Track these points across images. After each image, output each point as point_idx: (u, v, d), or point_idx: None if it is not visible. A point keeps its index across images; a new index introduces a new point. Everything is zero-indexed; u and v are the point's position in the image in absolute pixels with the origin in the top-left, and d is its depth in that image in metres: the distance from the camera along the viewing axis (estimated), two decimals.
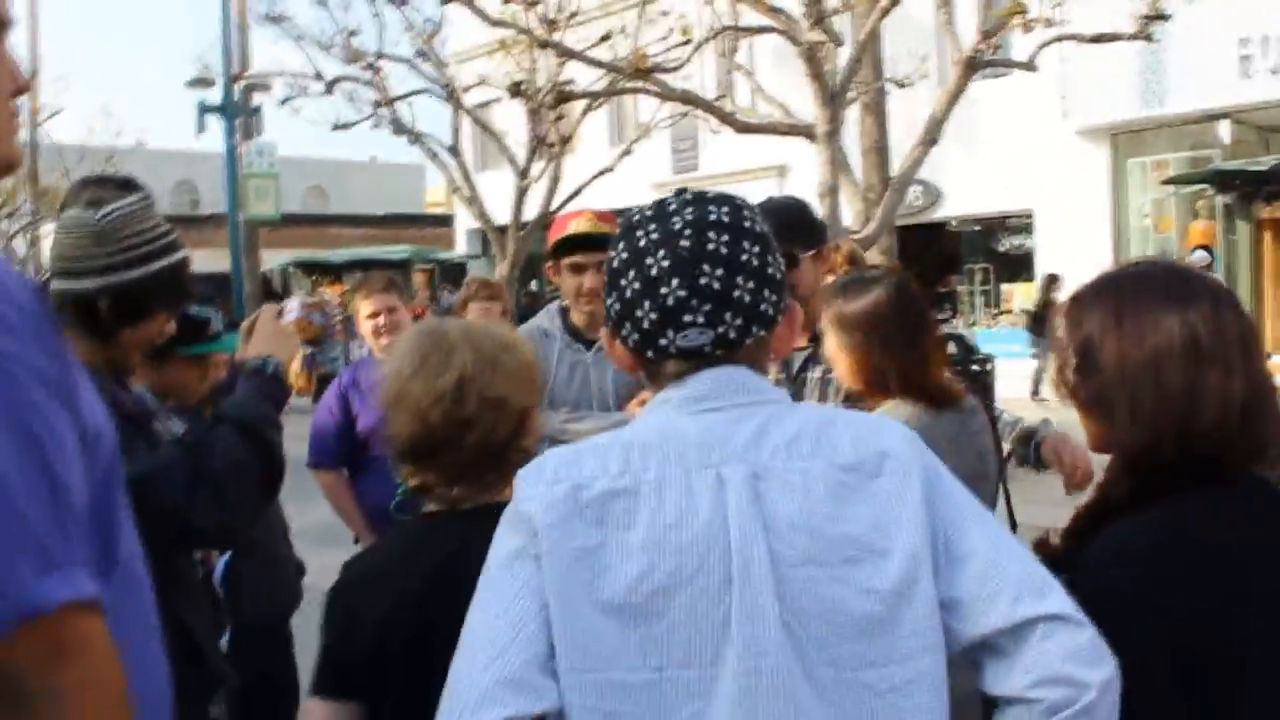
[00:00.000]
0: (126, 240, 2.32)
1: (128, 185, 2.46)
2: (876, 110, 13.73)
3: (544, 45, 14.50)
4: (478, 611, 1.52)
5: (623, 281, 1.59)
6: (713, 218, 1.58)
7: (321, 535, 5.96)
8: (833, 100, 11.49)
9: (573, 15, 16.85)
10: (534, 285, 25.82)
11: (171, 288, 2.41)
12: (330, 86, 18.92)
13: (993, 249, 21.68)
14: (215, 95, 21.21)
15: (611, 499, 1.50)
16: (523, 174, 19.07)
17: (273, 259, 27.07)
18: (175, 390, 3.00)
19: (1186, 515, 1.68)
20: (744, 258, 1.56)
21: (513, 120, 20.70)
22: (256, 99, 21.91)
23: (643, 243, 1.58)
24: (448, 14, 18.37)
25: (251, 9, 20.23)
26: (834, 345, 2.90)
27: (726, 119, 12.73)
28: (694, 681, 1.45)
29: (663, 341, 1.56)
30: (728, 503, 1.48)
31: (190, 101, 20.62)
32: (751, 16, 12.53)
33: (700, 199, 1.62)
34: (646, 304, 1.56)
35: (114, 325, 2.32)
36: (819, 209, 10.67)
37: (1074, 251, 17.38)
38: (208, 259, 27.72)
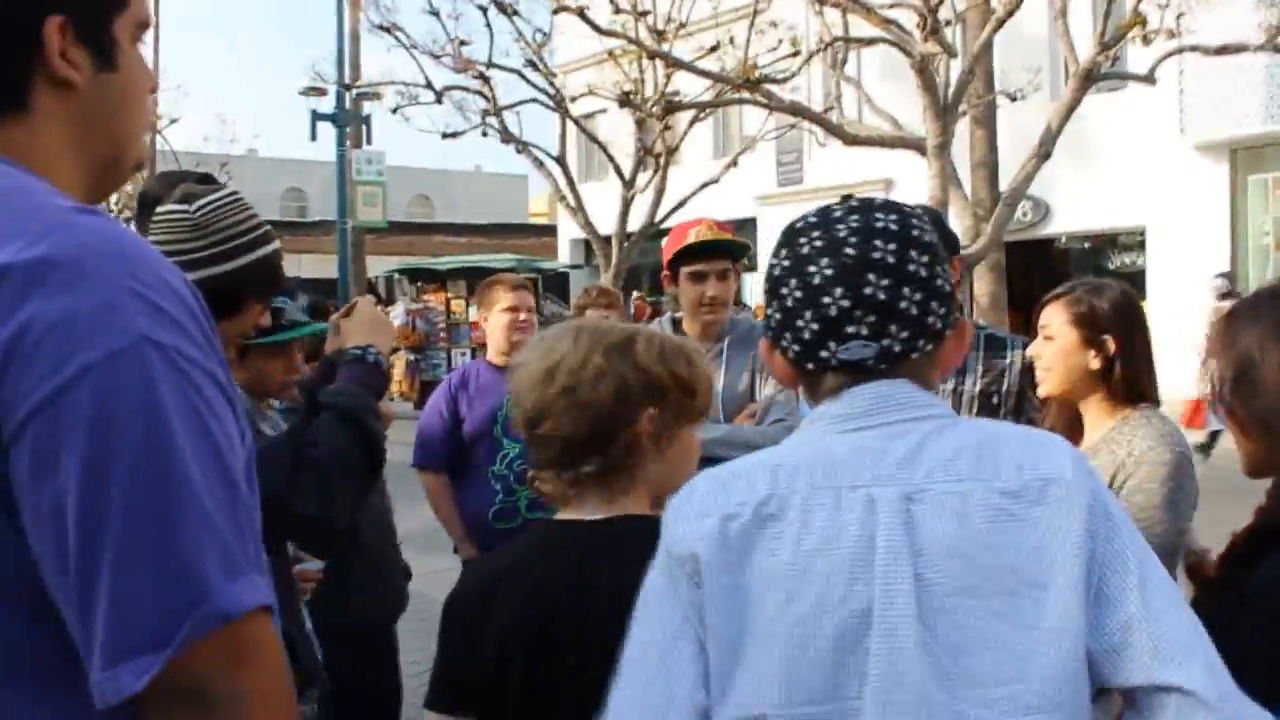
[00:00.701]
0: (222, 232, 2.32)
1: (208, 179, 2.47)
2: (987, 124, 13.53)
3: (653, 56, 14.53)
4: (637, 646, 1.49)
5: (784, 290, 1.53)
6: (879, 225, 1.50)
7: (424, 541, 6.00)
8: (944, 113, 11.35)
9: (681, 26, 16.88)
10: (635, 296, 25.88)
11: (265, 280, 2.39)
12: (440, 95, 19.16)
13: (1103, 266, 21.21)
14: (327, 104, 21.61)
15: (759, 526, 1.43)
16: (628, 184, 19.13)
17: (378, 265, 27.51)
18: (260, 383, 2.93)
19: None
20: (911, 267, 1.48)
21: (618, 131, 20.79)
22: (366, 107, 22.30)
23: (805, 250, 1.51)
24: (558, 24, 18.51)
25: (364, 19, 20.61)
26: (1072, 347, 2.81)
27: (834, 130, 12.65)
28: (837, 715, 1.38)
29: (823, 354, 1.49)
30: (877, 526, 1.40)
31: (302, 110, 21.06)
32: (863, 28, 12.41)
33: (867, 206, 1.55)
34: (808, 314, 1.49)
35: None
36: None
37: (1189, 270, 16.94)
38: (315, 264, 28.30)
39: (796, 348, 1.52)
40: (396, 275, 26.47)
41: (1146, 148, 18.11)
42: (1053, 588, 1.38)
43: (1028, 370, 3.24)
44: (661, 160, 18.59)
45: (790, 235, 1.56)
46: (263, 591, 1.17)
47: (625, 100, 15.33)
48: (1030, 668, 1.36)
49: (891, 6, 11.85)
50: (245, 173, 30.18)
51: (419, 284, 24.43)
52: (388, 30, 19.03)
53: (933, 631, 1.36)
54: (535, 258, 28.16)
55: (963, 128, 12.87)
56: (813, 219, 1.56)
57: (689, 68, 13.31)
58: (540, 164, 19.43)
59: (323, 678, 2.61)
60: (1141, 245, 19.62)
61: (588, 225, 19.30)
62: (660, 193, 18.74)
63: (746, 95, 12.96)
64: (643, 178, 19.14)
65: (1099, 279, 2.96)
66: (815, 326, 1.49)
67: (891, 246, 1.48)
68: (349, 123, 21.42)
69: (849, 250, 1.48)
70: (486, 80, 18.89)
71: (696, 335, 3.90)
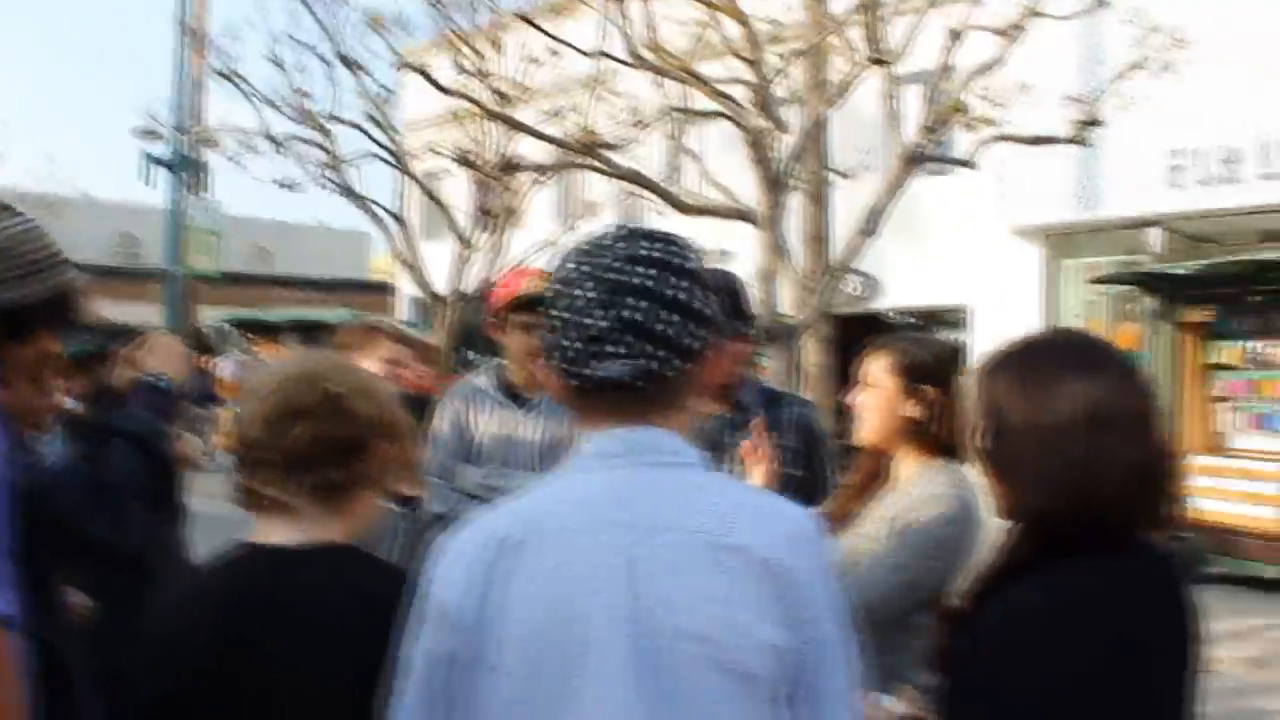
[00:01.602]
0: (17, 258, 2.28)
1: (6, 208, 2.45)
2: (819, 199, 13.94)
3: (494, 117, 14.61)
4: (398, 691, 1.59)
5: (553, 310, 1.62)
6: (643, 252, 1.60)
7: None
8: (775, 186, 11.68)
9: (525, 90, 17.02)
10: (470, 355, 25.74)
11: (60, 308, 2.36)
12: (279, 145, 18.91)
13: None
14: (163, 147, 21.06)
15: (500, 559, 1.52)
16: (465, 244, 19.08)
17: (212, 316, 26.83)
18: (20, 413, 2.81)
19: (1084, 578, 1.71)
20: (669, 292, 1.58)
21: (461, 192, 20.77)
22: (207, 154, 21.79)
23: (575, 274, 1.61)
24: (403, 81, 18.48)
25: (205, 64, 20.21)
26: (891, 394, 2.85)
27: (669, 199, 12.87)
28: None
29: (585, 371, 1.58)
30: (602, 568, 1.48)
31: (136, 153, 20.43)
32: (701, 101, 12.72)
33: (635, 234, 1.64)
34: (572, 333, 1.58)
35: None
36: (757, 293, 10.82)
37: None
38: (146, 312, 27.38)
39: (563, 365, 1.60)
40: (227, 326, 25.87)
41: (970, 230, 18.85)
42: (765, 644, 1.46)
43: (803, 426, 3.31)
44: (500, 221, 18.62)
45: (564, 259, 1.66)
46: (11, 602, 1.17)
47: (463, 160, 15.35)
48: (729, 715, 1.45)
49: (728, 82, 12.19)
50: (76, 215, 29.11)
51: (250, 335, 23.91)
52: (228, 77, 18.72)
53: (643, 676, 1.44)
54: (371, 314, 27.80)
55: (797, 202, 13.24)
56: (585, 245, 1.66)
57: (528, 130, 13.43)
58: (379, 220, 19.27)
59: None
60: (964, 322, 20.35)
61: (422, 283, 19.18)
62: (498, 253, 18.76)
63: (586, 160, 13.11)
64: (482, 238, 19.13)
65: (921, 334, 3.06)
66: (579, 345, 1.58)
67: (652, 272, 1.58)
68: (185, 169, 20.93)
69: (611, 275, 1.58)
70: (327, 133, 18.72)
71: (523, 384, 3.91)
